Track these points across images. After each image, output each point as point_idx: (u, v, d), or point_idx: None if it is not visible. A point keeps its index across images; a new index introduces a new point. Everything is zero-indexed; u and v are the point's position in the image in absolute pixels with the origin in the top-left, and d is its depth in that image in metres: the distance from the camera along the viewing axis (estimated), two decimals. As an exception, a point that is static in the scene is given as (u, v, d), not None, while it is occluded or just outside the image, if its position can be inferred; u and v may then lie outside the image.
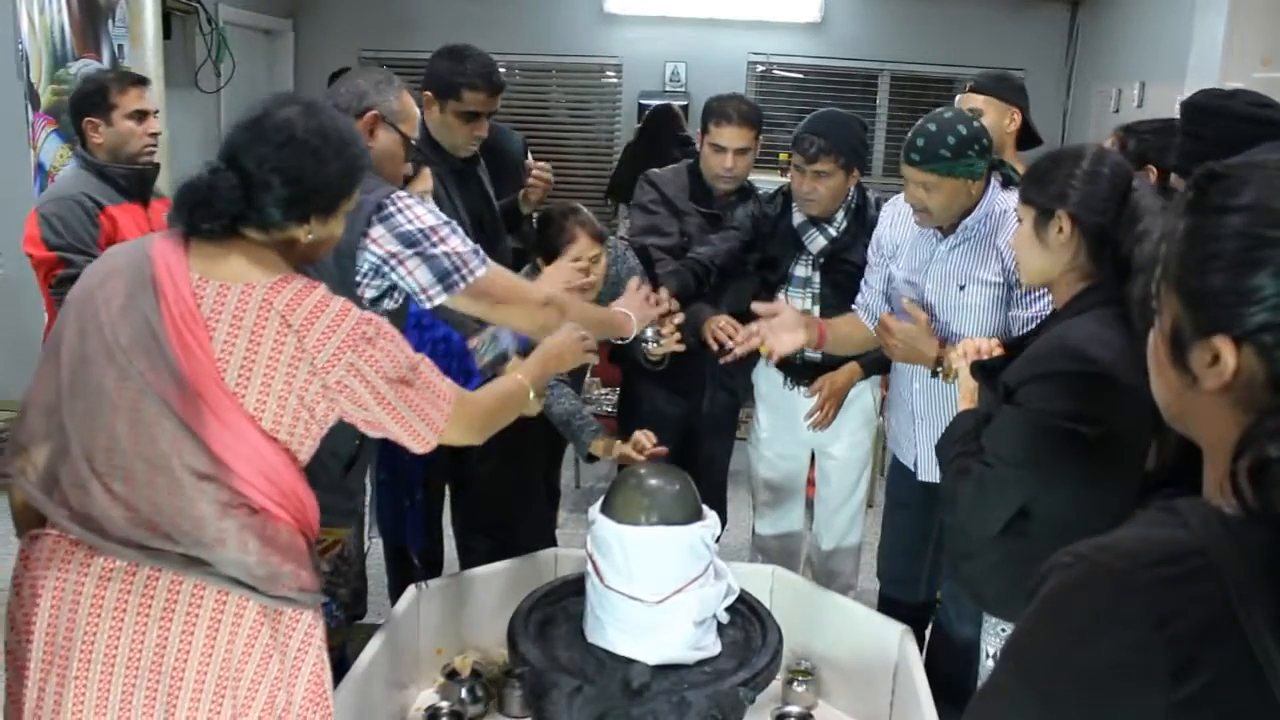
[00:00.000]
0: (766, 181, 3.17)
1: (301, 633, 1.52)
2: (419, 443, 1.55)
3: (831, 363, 2.75)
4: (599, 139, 6.87)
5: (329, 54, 6.46)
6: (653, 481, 2.01)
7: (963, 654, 2.15)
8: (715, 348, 2.59)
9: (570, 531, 3.19)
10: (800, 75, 6.70)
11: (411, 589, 2.33)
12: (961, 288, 2.30)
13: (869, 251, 2.59)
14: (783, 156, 5.96)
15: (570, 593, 2.17)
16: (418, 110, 2.22)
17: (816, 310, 2.76)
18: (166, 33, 3.68)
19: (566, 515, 3.15)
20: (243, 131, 1.46)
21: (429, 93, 2.60)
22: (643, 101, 6.45)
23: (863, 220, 2.72)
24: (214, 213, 1.43)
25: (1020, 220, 1.82)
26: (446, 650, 2.39)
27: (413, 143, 2.15)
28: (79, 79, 2.97)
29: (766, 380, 2.97)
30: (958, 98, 2.87)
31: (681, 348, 2.46)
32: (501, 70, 2.72)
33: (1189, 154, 2.12)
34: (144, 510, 1.42)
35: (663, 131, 5.27)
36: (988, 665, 1.90)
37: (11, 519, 1.59)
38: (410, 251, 1.79)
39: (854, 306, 2.62)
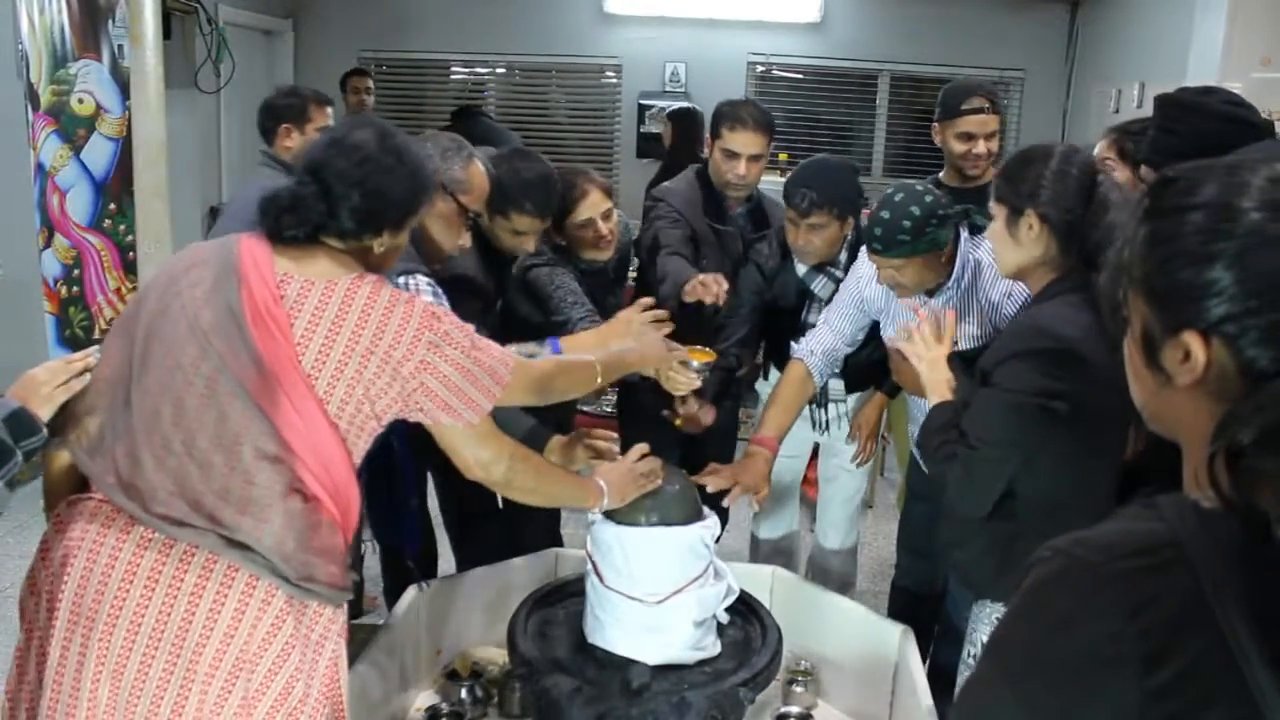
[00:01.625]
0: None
1: (323, 625, 1.54)
2: (489, 398, 1.61)
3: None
4: (599, 139, 6.87)
5: (329, 54, 6.47)
6: (653, 482, 2.01)
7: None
8: (693, 301, 2.52)
9: (570, 531, 3.19)
10: (800, 75, 6.71)
11: (412, 589, 2.32)
12: (955, 342, 2.30)
13: (840, 298, 2.53)
14: (782, 157, 5.97)
15: (570, 593, 2.17)
16: (486, 184, 2.26)
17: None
18: (166, 33, 3.70)
19: (567, 515, 3.14)
20: (325, 149, 1.59)
21: None
22: (642, 102, 6.45)
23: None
24: (300, 219, 1.55)
25: (993, 217, 1.87)
26: (446, 650, 2.39)
27: (471, 216, 2.22)
28: (278, 90, 3.46)
29: (769, 383, 2.96)
30: (970, 117, 2.77)
31: (699, 384, 2.35)
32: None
33: (1161, 149, 2.12)
34: (193, 487, 1.45)
35: (686, 139, 4.89)
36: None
37: (42, 491, 1.59)
38: None
39: (799, 354, 2.54)
